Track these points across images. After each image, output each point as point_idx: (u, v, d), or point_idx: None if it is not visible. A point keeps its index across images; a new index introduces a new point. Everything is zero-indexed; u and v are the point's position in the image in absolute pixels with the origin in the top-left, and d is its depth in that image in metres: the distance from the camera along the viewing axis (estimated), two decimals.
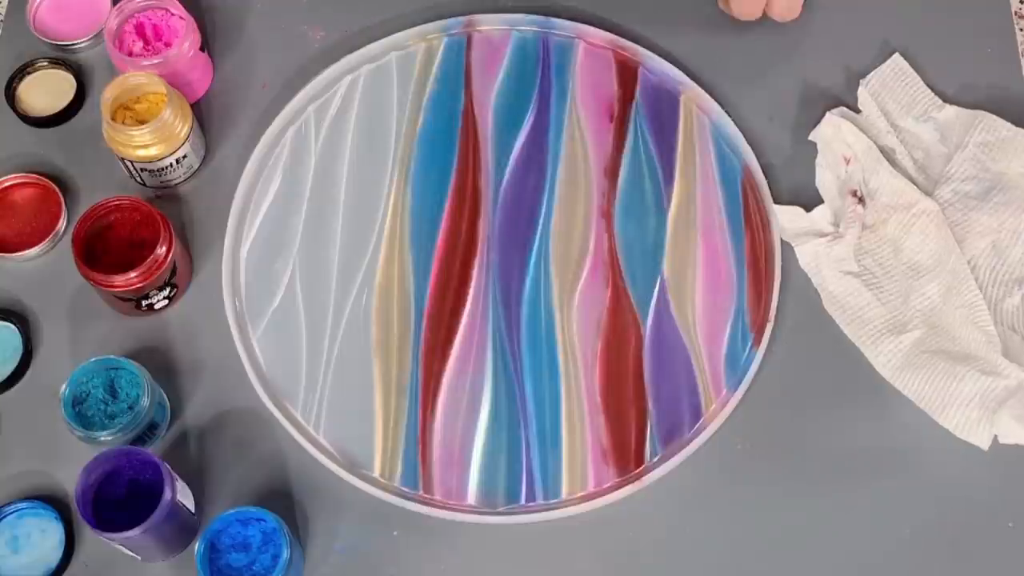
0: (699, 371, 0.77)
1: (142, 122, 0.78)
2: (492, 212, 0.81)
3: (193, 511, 0.70)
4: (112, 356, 0.72)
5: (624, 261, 0.80)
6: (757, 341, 0.77)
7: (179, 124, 0.78)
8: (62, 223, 0.80)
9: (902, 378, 0.76)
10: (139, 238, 0.75)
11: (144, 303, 0.76)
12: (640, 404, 0.76)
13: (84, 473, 0.66)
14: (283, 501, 0.73)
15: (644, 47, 0.86)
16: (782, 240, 0.80)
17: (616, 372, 0.76)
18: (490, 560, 0.72)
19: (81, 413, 0.71)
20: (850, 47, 0.87)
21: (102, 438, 0.70)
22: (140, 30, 0.82)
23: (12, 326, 0.77)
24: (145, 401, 0.70)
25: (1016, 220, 0.79)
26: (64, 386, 0.70)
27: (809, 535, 0.73)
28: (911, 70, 0.85)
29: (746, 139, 0.83)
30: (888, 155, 0.82)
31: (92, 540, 0.72)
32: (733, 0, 0.83)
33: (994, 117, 0.83)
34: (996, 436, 0.74)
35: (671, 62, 0.86)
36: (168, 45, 0.82)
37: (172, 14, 0.82)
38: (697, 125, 0.84)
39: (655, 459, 0.74)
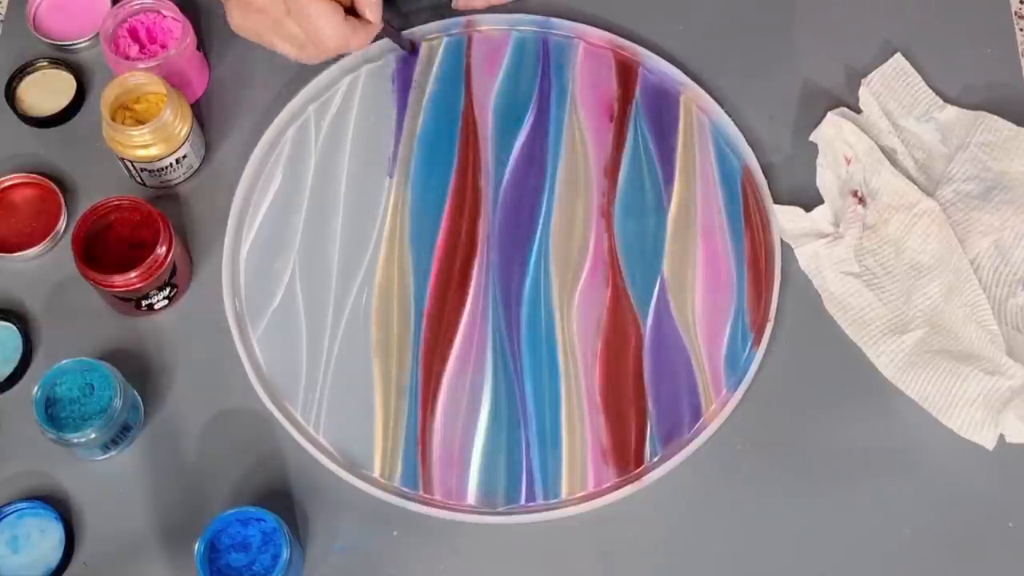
0: (699, 371, 0.77)
1: (142, 122, 0.78)
2: (492, 212, 0.81)
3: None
4: (85, 358, 0.72)
5: (624, 261, 0.80)
6: (757, 341, 0.77)
7: (179, 124, 0.78)
8: (62, 223, 0.80)
9: (905, 378, 0.76)
10: (139, 238, 0.75)
11: (144, 303, 0.76)
12: (640, 404, 0.76)
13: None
14: (283, 501, 0.73)
15: (644, 47, 0.86)
16: (782, 240, 0.80)
17: (616, 372, 0.76)
18: (490, 560, 0.72)
19: (53, 415, 0.71)
20: (851, 47, 0.87)
21: (74, 440, 0.70)
22: (134, 33, 0.82)
23: (12, 326, 0.77)
24: (118, 403, 0.70)
25: (1019, 220, 0.79)
26: (36, 388, 0.70)
27: (809, 535, 0.73)
28: (912, 70, 0.85)
29: (746, 139, 0.83)
30: (889, 155, 0.82)
31: (92, 540, 0.72)
32: None
33: (995, 117, 0.83)
34: (1000, 436, 0.74)
35: (671, 62, 0.86)
36: (163, 47, 0.82)
37: (165, 16, 0.82)
38: (697, 125, 0.84)
39: (655, 459, 0.74)
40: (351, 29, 0.73)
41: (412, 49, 0.85)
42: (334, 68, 0.85)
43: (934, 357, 0.76)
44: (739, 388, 0.76)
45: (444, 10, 0.87)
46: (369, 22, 0.75)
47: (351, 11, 0.75)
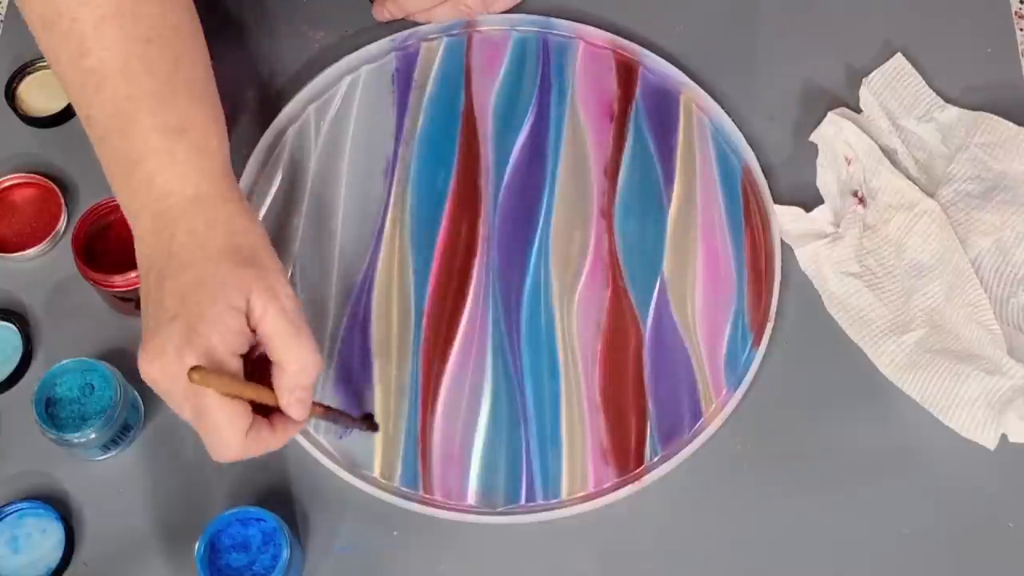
0: (699, 371, 0.77)
1: None
2: (492, 212, 0.81)
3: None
4: (85, 358, 0.72)
5: (624, 261, 0.80)
6: (757, 341, 0.77)
7: None
8: (62, 223, 0.80)
9: (906, 378, 0.76)
10: None
11: None
12: (640, 404, 0.76)
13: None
14: (283, 501, 0.73)
15: (644, 47, 0.86)
16: (782, 240, 0.80)
17: (616, 372, 0.76)
18: (490, 560, 0.72)
19: (53, 415, 0.71)
20: (851, 47, 0.87)
21: (74, 440, 0.70)
22: None
23: (12, 326, 0.77)
24: (118, 403, 0.70)
25: (1020, 220, 0.79)
26: (36, 388, 0.71)
27: (809, 535, 0.73)
28: (913, 70, 0.85)
29: (746, 139, 0.83)
30: (890, 155, 0.82)
31: (92, 540, 0.72)
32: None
33: (996, 118, 0.83)
34: (1003, 436, 0.74)
35: (671, 62, 0.86)
36: None
37: None
38: (697, 125, 0.84)
39: (655, 459, 0.74)
40: (255, 442, 0.62)
41: (372, 426, 0.75)
42: (334, 68, 0.85)
43: (935, 357, 0.76)
44: (739, 388, 0.76)
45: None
46: (293, 420, 0.64)
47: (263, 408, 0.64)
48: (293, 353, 0.62)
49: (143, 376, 0.61)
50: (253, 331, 0.62)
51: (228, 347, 0.61)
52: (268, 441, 0.63)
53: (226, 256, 0.62)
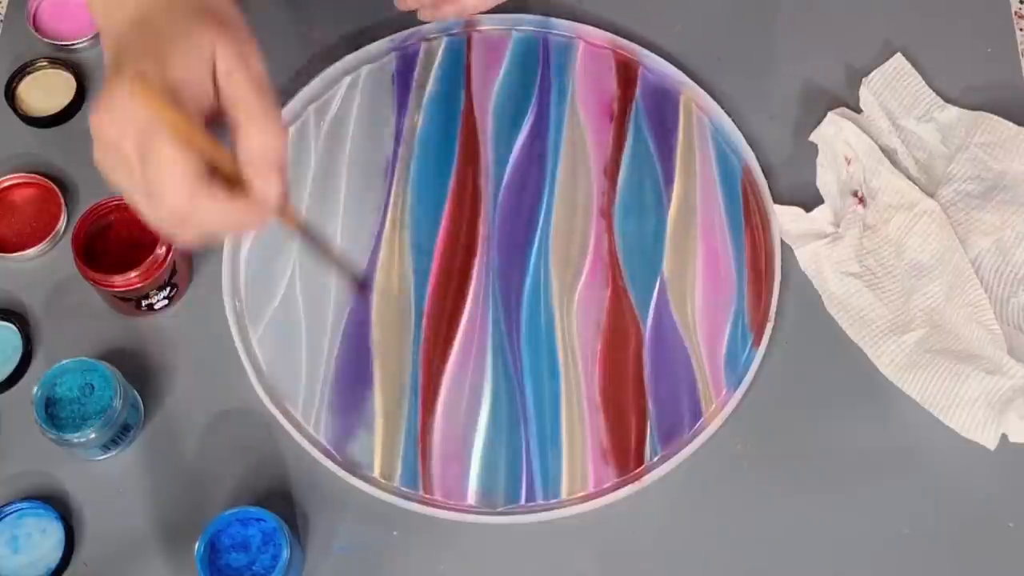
0: (699, 371, 0.77)
1: None
2: (492, 212, 0.81)
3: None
4: (85, 358, 0.72)
5: (624, 261, 0.80)
6: (757, 341, 0.77)
7: None
8: (62, 223, 0.80)
9: (906, 378, 0.76)
10: (139, 238, 0.75)
11: (144, 303, 0.76)
12: (640, 404, 0.76)
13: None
14: (283, 501, 0.73)
15: (644, 47, 0.86)
16: (782, 240, 0.80)
17: (616, 372, 0.76)
18: (490, 560, 0.72)
19: (53, 415, 0.71)
20: (851, 47, 0.87)
21: (74, 440, 0.70)
22: None
23: (12, 326, 0.77)
24: (118, 403, 0.70)
25: (1020, 219, 0.79)
26: (36, 388, 0.71)
27: (809, 535, 0.73)
28: (913, 70, 0.85)
29: (746, 139, 0.83)
30: (890, 155, 0.82)
31: (92, 540, 0.72)
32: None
33: (995, 117, 0.83)
34: (1003, 436, 0.74)
35: (671, 62, 0.86)
36: None
37: None
38: (697, 125, 0.84)
39: (655, 459, 0.74)
40: (207, 194, 0.54)
41: (360, 286, 0.73)
42: (334, 68, 0.85)
43: (935, 357, 0.76)
44: (739, 388, 0.76)
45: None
46: (262, 199, 0.57)
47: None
48: (258, 124, 0.56)
49: (95, 130, 0.54)
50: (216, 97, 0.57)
51: (190, 92, 0.55)
52: (224, 204, 0.55)
53: (193, 14, 0.57)
